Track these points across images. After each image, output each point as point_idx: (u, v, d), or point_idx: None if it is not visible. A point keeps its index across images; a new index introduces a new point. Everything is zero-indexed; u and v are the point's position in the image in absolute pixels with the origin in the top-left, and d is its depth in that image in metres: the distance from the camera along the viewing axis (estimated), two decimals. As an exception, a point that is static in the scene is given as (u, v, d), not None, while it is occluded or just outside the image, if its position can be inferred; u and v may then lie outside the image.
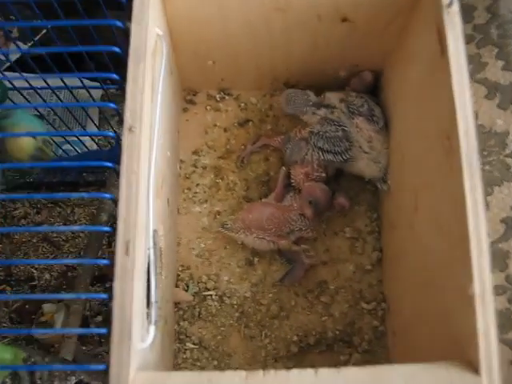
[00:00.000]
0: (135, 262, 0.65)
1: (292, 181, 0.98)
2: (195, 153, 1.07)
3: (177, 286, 1.00)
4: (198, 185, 1.06)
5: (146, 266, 0.71)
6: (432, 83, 0.79)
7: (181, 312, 0.99)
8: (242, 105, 1.10)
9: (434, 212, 0.76)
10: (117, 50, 0.68)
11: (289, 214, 0.96)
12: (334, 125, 0.95)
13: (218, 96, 1.10)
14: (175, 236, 1.00)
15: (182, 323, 0.99)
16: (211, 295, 0.99)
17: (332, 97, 0.99)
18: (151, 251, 0.72)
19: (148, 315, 0.71)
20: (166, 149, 0.86)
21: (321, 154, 0.95)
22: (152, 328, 0.70)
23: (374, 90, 1.03)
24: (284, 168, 1.00)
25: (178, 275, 1.00)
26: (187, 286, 1.00)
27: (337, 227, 1.03)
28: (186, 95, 1.10)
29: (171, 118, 0.93)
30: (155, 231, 0.81)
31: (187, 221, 1.03)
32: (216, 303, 0.99)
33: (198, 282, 1.00)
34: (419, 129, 0.81)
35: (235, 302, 0.99)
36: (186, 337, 0.98)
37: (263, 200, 1.00)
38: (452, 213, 0.71)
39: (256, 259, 1.02)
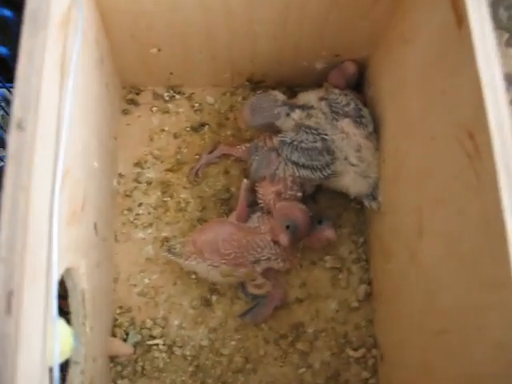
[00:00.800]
0: (22, 323, 0.44)
1: (260, 201, 0.86)
2: (138, 164, 0.95)
3: (113, 335, 0.86)
4: (140, 204, 0.93)
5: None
6: (444, 66, 0.61)
7: (119, 368, 0.85)
8: (197, 105, 0.99)
9: (449, 238, 0.61)
10: (7, 13, 0.44)
11: (254, 238, 0.82)
12: (311, 133, 0.83)
13: (166, 95, 0.98)
14: (110, 270, 0.87)
15: (120, 382, 0.84)
16: (158, 345, 0.86)
17: (308, 96, 0.86)
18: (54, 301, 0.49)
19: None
20: (90, 158, 0.71)
21: (295, 169, 0.83)
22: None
23: (357, 87, 0.92)
24: (245, 180, 0.87)
25: (116, 320, 0.87)
26: (127, 335, 0.86)
27: (314, 255, 0.91)
28: (127, 94, 0.98)
29: (103, 121, 0.79)
30: (69, 270, 0.61)
31: (127, 250, 0.90)
32: (164, 355, 0.86)
33: (141, 329, 0.87)
34: (425, 128, 0.67)
35: (189, 353, 0.86)
36: (126, 399, 0.84)
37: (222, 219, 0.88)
38: (480, 240, 0.54)
39: (214, 297, 0.89)
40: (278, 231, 0.81)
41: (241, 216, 0.86)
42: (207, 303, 0.89)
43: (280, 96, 0.87)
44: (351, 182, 0.85)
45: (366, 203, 0.86)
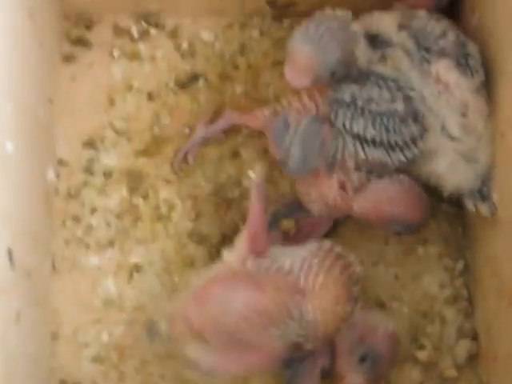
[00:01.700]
0: None
1: (312, 205, 0.79)
2: (89, 144, 0.87)
3: None
4: (94, 211, 0.86)
5: None
6: None
7: None
8: (185, 46, 0.91)
9: None
10: None
11: (289, 300, 0.71)
12: (386, 87, 0.75)
13: (134, 28, 0.91)
14: (44, 322, 0.80)
15: None
16: None
17: (380, 21, 0.78)
18: None
19: None
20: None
21: (359, 147, 0.75)
22: None
23: (449, 13, 0.82)
24: (256, 174, 0.79)
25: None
26: None
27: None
28: (72, 28, 0.91)
29: (24, 72, 0.73)
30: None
31: (73, 287, 0.82)
32: None
33: (100, 425, 0.82)
34: None
35: None
36: None
37: (227, 255, 0.75)
38: None
39: (220, 364, 0.81)
40: (346, 363, 0.74)
41: (256, 241, 0.74)
42: (211, 374, 0.82)
43: (349, 19, 0.76)
44: (448, 167, 0.76)
45: (471, 205, 0.77)
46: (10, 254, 0.65)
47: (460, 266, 0.84)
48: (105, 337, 0.81)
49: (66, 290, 0.82)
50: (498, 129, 0.74)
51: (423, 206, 0.77)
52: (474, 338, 0.81)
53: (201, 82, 0.89)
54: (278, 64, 0.87)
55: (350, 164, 0.76)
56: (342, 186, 0.77)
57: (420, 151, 0.75)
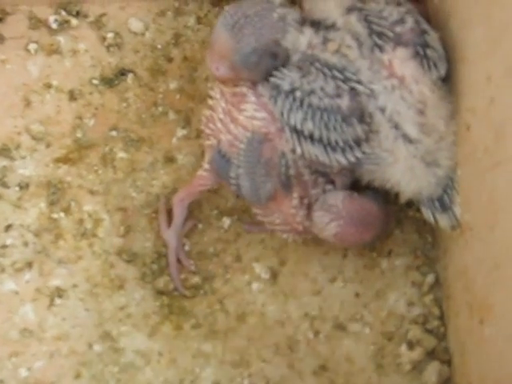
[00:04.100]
0: None
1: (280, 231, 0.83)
2: (2, 152, 0.88)
3: None
4: (9, 228, 0.85)
5: None
6: None
7: None
8: (111, 36, 0.92)
9: None
10: None
11: None
12: (332, 77, 0.75)
13: (53, 19, 0.91)
14: None
15: None
16: None
17: (325, 4, 0.78)
18: None
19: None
20: None
21: (296, 141, 0.76)
22: None
23: None
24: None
25: None
26: None
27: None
28: None
29: None
30: None
31: None
32: None
33: None
34: None
35: None
36: None
37: None
38: None
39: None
40: None
41: None
42: None
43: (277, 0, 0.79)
44: (404, 173, 0.76)
45: (429, 215, 0.78)
46: None
47: (430, 280, 0.84)
48: (23, 372, 0.80)
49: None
50: (462, 121, 0.74)
51: (381, 220, 0.78)
52: (448, 362, 0.81)
53: (129, 79, 0.90)
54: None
55: (307, 178, 0.78)
56: (303, 204, 0.78)
57: (367, 155, 0.75)
